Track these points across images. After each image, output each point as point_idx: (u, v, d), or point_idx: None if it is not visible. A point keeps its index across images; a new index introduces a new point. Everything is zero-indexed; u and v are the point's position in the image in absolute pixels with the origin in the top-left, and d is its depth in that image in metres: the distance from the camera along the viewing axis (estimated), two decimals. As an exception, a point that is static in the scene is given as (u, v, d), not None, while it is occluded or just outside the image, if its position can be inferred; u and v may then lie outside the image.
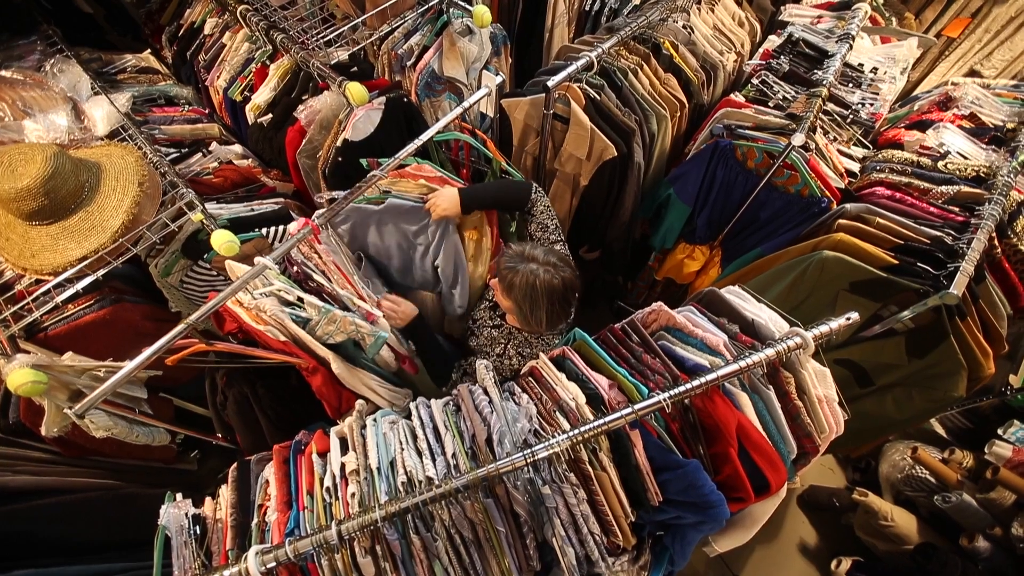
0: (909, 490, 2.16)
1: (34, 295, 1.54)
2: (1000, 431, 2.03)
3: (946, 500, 1.95)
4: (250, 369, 1.49)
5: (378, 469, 1.09)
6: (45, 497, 1.47)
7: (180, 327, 1.26)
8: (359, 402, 1.27)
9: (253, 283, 1.39)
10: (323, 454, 1.19)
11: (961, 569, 1.87)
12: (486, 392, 1.18)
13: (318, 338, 1.42)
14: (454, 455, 1.08)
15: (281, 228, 1.76)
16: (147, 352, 1.23)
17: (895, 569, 2.10)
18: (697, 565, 2.32)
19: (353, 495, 1.07)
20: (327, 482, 1.10)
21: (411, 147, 1.62)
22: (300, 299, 1.40)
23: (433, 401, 1.23)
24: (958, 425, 2.39)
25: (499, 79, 1.94)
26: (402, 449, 1.11)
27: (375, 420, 1.21)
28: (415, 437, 1.15)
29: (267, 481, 1.18)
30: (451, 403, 1.23)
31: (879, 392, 1.82)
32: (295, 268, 1.47)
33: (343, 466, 1.12)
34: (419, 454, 1.11)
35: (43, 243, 1.45)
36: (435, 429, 1.16)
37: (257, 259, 1.36)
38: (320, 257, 1.54)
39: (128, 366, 1.22)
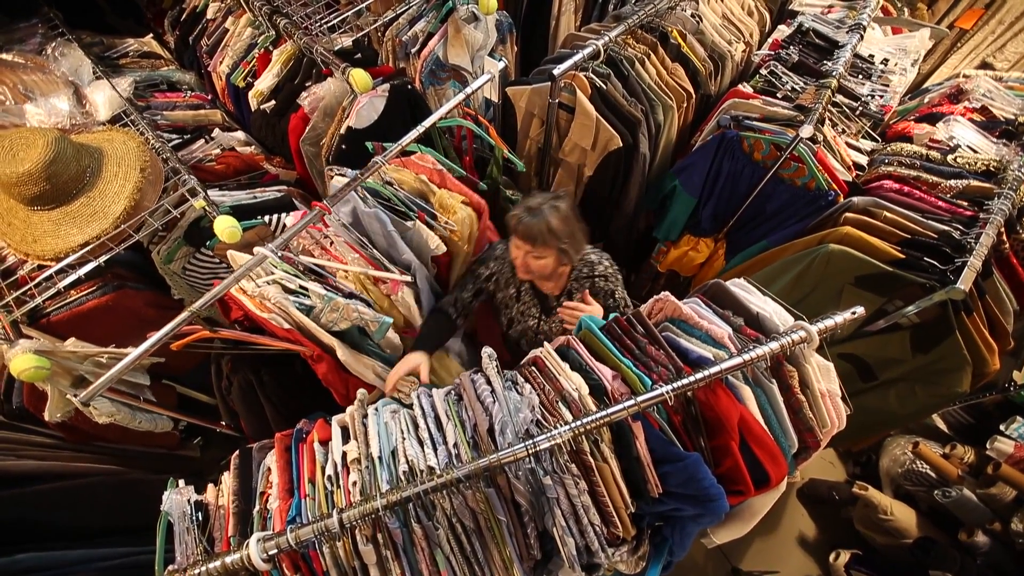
0: (909, 484, 2.16)
1: (36, 280, 1.54)
2: (1002, 427, 2.03)
3: (946, 495, 1.95)
4: (255, 356, 1.49)
5: (379, 458, 1.09)
6: (48, 482, 1.48)
7: (184, 315, 1.26)
8: (361, 391, 1.27)
9: (257, 271, 1.39)
10: (325, 442, 1.19)
11: (959, 563, 1.87)
12: (488, 381, 1.18)
13: (323, 325, 1.42)
14: (455, 444, 1.08)
15: (280, 217, 1.75)
16: (152, 339, 1.23)
17: (893, 562, 2.10)
18: (696, 556, 2.33)
19: (355, 483, 1.07)
20: (329, 470, 1.10)
21: (413, 134, 1.61)
22: (303, 287, 1.39)
23: (435, 390, 1.23)
24: (960, 420, 2.39)
25: (501, 64, 1.91)
26: (403, 438, 1.11)
27: (376, 409, 1.21)
28: (416, 426, 1.15)
29: (269, 469, 1.18)
30: (452, 392, 1.23)
31: (882, 387, 1.82)
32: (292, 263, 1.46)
33: (345, 455, 1.12)
34: (420, 443, 1.11)
35: (45, 228, 1.45)
36: (436, 418, 1.16)
37: (257, 249, 1.36)
38: (325, 243, 1.53)
39: (132, 354, 1.22)
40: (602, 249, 2.46)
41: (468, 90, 1.73)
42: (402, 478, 1.04)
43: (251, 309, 1.38)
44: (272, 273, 1.41)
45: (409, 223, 1.63)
